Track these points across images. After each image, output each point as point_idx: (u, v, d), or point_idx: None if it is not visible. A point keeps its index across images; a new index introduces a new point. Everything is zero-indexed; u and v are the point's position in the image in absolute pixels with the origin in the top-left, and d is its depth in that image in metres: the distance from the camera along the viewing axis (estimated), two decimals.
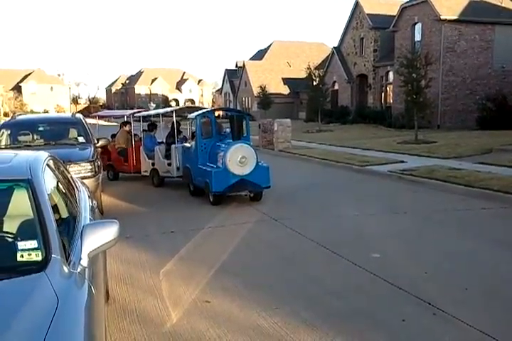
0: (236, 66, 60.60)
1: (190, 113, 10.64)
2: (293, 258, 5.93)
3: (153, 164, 11.51)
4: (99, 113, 18.16)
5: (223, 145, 9.11)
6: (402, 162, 14.05)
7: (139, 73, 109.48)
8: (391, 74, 32.37)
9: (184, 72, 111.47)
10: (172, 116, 11.43)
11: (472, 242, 6.43)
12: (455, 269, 5.39)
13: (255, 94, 47.54)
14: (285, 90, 51.39)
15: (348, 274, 5.31)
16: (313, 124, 32.59)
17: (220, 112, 11.79)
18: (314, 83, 30.67)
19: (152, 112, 13.17)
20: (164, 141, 11.87)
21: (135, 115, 12.92)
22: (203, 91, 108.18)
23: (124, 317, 4.27)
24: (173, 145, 10.92)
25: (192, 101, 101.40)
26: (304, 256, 5.98)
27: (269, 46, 58.78)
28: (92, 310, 2.31)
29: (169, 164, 10.92)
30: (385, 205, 8.93)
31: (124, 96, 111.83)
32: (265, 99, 41.69)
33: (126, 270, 5.52)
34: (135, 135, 12.74)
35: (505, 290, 4.77)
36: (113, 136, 13.33)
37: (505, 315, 4.23)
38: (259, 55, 58.87)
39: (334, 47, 40.05)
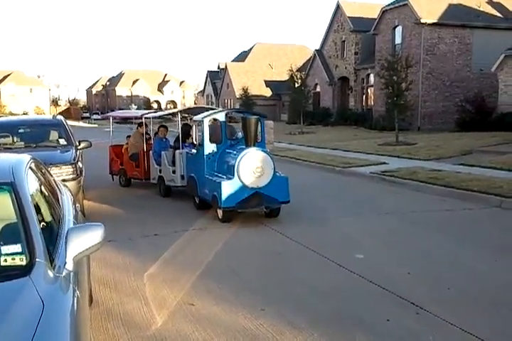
0: (218, 68, 60.61)
1: (197, 114, 9.41)
2: (277, 259, 5.93)
3: (160, 171, 10.44)
4: (112, 113, 16.43)
5: (235, 151, 7.85)
6: (384, 163, 14.18)
7: (120, 75, 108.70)
8: (372, 77, 32.70)
9: (166, 74, 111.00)
10: (185, 118, 10.62)
11: (453, 243, 6.52)
12: (437, 269, 5.46)
13: (237, 96, 47.60)
14: (267, 92, 51.55)
15: (333, 275, 5.34)
16: (295, 126, 32.75)
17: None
18: (296, 85, 30.86)
19: (158, 114, 12.00)
20: (173, 145, 10.73)
21: (145, 116, 11.57)
22: (185, 93, 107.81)
23: (108, 321, 4.23)
24: (177, 151, 9.82)
25: (174, 102, 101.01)
26: (288, 257, 5.99)
27: (252, 48, 58.89)
28: (77, 314, 2.29)
29: (174, 172, 9.86)
30: (367, 206, 9.00)
31: (104, 98, 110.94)
32: (247, 101, 41.80)
33: (110, 273, 5.47)
34: (150, 138, 11.61)
35: (486, 290, 4.85)
36: (129, 137, 12.28)
37: (486, 313, 4.29)
38: (242, 57, 58.96)
39: (316, 50, 40.30)
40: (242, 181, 7.45)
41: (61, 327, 2.08)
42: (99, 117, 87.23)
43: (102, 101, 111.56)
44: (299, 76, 31.54)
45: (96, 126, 58.25)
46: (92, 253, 2.81)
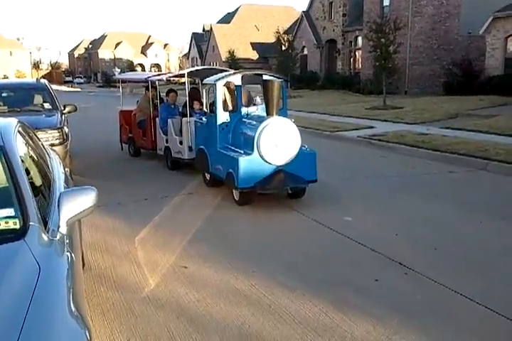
0: (203, 30, 59.26)
1: (207, 76, 8.00)
2: (267, 222, 6.00)
3: (167, 141, 9.30)
4: (121, 76, 14.64)
5: (253, 121, 6.73)
6: (371, 127, 14.20)
7: (103, 37, 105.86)
8: (360, 40, 32.25)
9: (149, 36, 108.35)
10: (194, 81, 9.51)
11: (440, 205, 6.62)
12: (424, 231, 5.57)
13: (223, 59, 46.81)
14: (254, 55, 50.70)
15: (321, 237, 5.42)
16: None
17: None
18: (283, 48, 30.36)
19: (163, 76, 10.55)
20: (181, 111, 9.46)
21: (149, 79, 10.12)
22: (170, 56, 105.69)
23: (101, 284, 4.28)
24: (184, 119, 8.69)
25: (158, 65, 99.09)
26: (277, 220, 6.05)
27: (237, 9, 57.54)
28: (74, 278, 2.30)
29: (181, 142, 8.77)
30: (353, 170, 9.06)
31: (87, 61, 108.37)
32: (234, 65, 41.07)
33: (101, 238, 5.49)
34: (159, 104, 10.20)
35: (471, 250, 4.97)
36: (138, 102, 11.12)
37: (471, 273, 4.42)
38: (227, 19, 57.64)
39: (303, 12, 39.48)
40: (262, 157, 6.39)
41: (58, 290, 2.09)
42: (81, 81, 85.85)
43: (85, 65, 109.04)
44: (286, 38, 31.00)
45: (79, 90, 57.20)
46: (85, 216, 2.80)
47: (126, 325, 3.58)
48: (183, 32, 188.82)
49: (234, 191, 6.72)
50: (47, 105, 8.81)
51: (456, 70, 24.31)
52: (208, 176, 7.71)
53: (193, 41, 62.70)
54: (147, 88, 10.42)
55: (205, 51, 58.03)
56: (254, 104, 7.31)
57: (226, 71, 8.97)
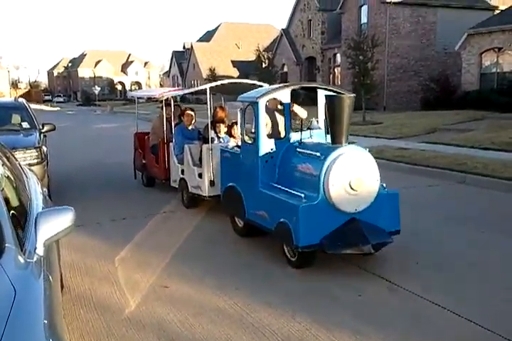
0: (184, 48, 59.67)
1: (236, 92, 6.35)
2: (248, 240, 5.96)
3: (182, 172, 7.69)
4: (135, 93, 12.77)
5: (314, 152, 4.97)
6: (352, 143, 14.30)
7: (82, 56, 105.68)
8: (339, 57, 32.76)
9: (130, 54, 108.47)
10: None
11: (421, 218, 6.67)
12: (406, 245, 5.59)
13: (204, 77, 47.06)
14: (234, 73, 51.13)
15: None
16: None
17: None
18: (264, 65, 30.68)
19: (181, 92, 9.11)
20: (202, 135, 7.79)
21: (164, 95, 8.58)
22: (150, 74, 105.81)
23: (81, 306, 4.19)
24: (205, 146, 6.98)
25: (139, 83, 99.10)
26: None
27: (217, 27, 58.15)
28: (51, 300, 2.25)
29: (201, 175, 7.08)
30: None
31: (66, 79, 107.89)
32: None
33: (80, 259, 5.39)
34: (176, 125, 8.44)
35: (452, 261, 5.00)
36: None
37: (451, 284, 4.44)
38: (208, 37, 58.18)
39: (282, 29, 40.02)
40: (332, 203, 4.71)
41: (35, 314, 2.04)
42: (61, 100, 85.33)
43: (64, 83, 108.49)
44: (266, 56, 31.39)
45: (58, 109, 56.84)
46: (62, 237, 2.75)
47: None
48: (164, 50, 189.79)
49: (286, 247, 5.02)
50: (25, 124, 8.72)
51: (434, 86, 24.80)
52: (239, 222, 6.03)
53: (174, 59, 63.05)
54: (162, 106, 8.66)
55: (185, 69, 58.34)
56: (309, 128, 5.36)
57: (258, 85, 7.38)
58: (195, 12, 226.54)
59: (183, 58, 59.45)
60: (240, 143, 6.06)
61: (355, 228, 4.76)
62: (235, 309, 4.04)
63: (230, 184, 6.00)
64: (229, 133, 7.59)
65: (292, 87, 5.62)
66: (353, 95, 4.99)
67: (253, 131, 5.57)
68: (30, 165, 6.68)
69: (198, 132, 8.22)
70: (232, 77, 49.04)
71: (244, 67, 49.00)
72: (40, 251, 2.50)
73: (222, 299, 4.23)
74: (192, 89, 8.66)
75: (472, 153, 11.09)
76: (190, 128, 8.21)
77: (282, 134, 5.65)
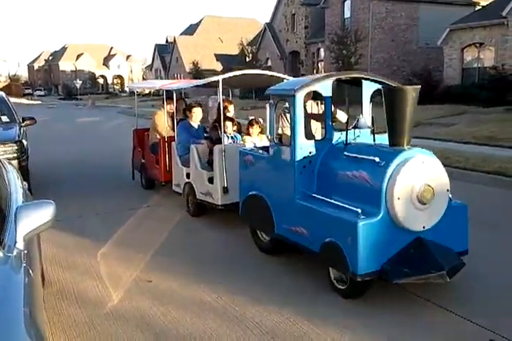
0: (166, 41, 59.21)
1: (250, 85, 5.74)
2: (236, 233, 5.96)
3: (188, 175, 6.80)
4: (134, 85, 11.07)
5: (370, 156, 4.01)
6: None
7: (63, 49, 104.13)
8: (322, 51, 32.83)
9: (111, 48, 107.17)
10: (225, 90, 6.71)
11: None
12: None
13: (188, 71, 46.81)
14: (218, 67, 50.85)
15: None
16: (248, 101, 32.60)
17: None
18: (247, 59, 30.62)
19: (186, 85, 7.85)
20: (209, 134, 6.99)
21: (165, 87, 7.71)
22: (132, 68, 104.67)
23: (63, 300, 4.15)
24: (216, 147, 6.10)
25: (121, 77, 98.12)
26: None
27: (201, 21, 57.78)
28: (31, 295, 2.22)
29: (211, 180, 6.24)
30: None
31: (47, 73, 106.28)
32: (198, 76, 41.13)
33: (62, 253, 5.34)
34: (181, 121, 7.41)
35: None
36: None
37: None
38: (191, 30, 57.79)
39: (266, 24, 39.94)
40: (397, 218, 3.84)
41: (14, 308, 2.01)
42: (42, 93, 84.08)
43: (45, 77, 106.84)
44: (249, 50, 31.33)
45: (39, 102, 56.04)
46: (43, 231, 2.71)
47: None
48: (146, 43, 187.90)
49: (333, 273, 4.20)
50: (4, 118, 8.60)
51: (416, 81, 24.94)
52: (264, 237, 5.21)
53: (157, 53, 62.50)
54: (165, 100, 7.91)
55: (168, 62, 57.89)
56: (355, 127, 4.60)
57: (277, 76, 6.58)
58: (178, 5, 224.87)
59: (166, 52, 58.96)
60: (257, 143, 5.65)
61: (423, 250, 3.89)
62: (219, 302, 4.04)
63: (254, 192, 5.10)
64: (242, 132, 6.86)
65: (336, 77, 4.69)
66: (418, 87, 4.06)
67: (279, 130, 4.87)
68: (9, 159, 6.58)
69: (203, 129, 7.30)
70: (215, 71, 48.87)
71: (228, 61, 48.73)
72: (20, 245, 2.46)
73: (206, 293, 4.22)
74: (201, 81, 7.44)
75: (455, 147, 11.21)
76: (195, 125, 7.18)
77: (320, 134, 4.87)
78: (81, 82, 63.00)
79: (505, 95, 18.71)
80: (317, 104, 5.56)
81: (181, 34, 58.90)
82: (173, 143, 7.17)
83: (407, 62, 28.15)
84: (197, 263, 4.97)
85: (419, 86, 4.07)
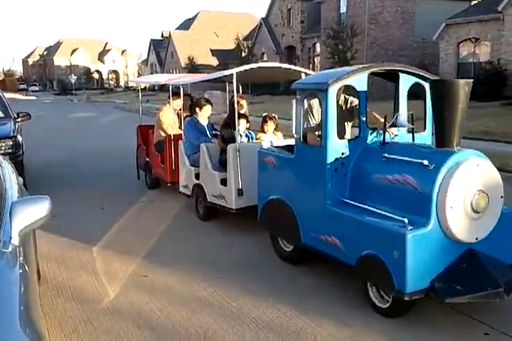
0: (162, 36, 59.02)
1: (265, 80, 5.23)
2: (232, 226, 5.96)
3: (197, 176, 6.40)
4: (139, 79, 11.19)
5: (415, 159, 3.63)
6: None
7: (58, 44, 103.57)
8: (318, 46, 32.79)
9: (107, 43, 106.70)
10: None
11: None
12: None
13: (183, 66, 46.67)
14: (214, 61, 50.74)
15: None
16: (244, 96, 32.62)
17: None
18: (243, 54, 30.55)
19: (193, 79, 7.18)
20: (219, 132, 6.48)
21: (172, 82, 7.36)
22: (128, 63, 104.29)
23: (58, 296, 4.14)
24: (230, 146, 5.64)
25: (116, 72, 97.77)
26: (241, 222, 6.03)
27: (196, 16, 57.55)
28: (27, 290, 2.21)
29: (224, 181, 5.81)
30: None
31: (42, 68, 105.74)
32: (194, 71, 41.00)
33: (58, 249, 5.32)
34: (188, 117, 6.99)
35: None
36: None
37: None
38: (186, 25, 57.56)
39: (262, 18, 39.84)
40: (449, 229, 3.45)
41: (10, 304, 2.01)
42: (37, 89, 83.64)
43: (40, 72, 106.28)
44: (245, 45, 31.24)
45: (34, 98, 55.74)
46: (38, 226, 2.70)
47: (84, 338, 3.48)
48: (141, 38, 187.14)
49: (372, 290, 3.78)
50: None
51: None
52: (287, 246, 4.81)
53: (152, 47, 62.26)
54: (173, 96, 7.53)
55: (164, 57, 57.68)
56: (394, 125, 4.20)
57: (300, 70, 6.10)
58: (174, 0, 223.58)
59: (161, 46, 58.72)
60: (273, 141, 5.38)
61: (476, 264, 3.50)
62: (216, 298, 4.04)
63: (275, 197, 4.67)
64: (253, 129, 6.50)
65: (372, 70, 4.23)
66: (470, 81, 3.56)
67: (304, 125, 4.44)
68: (4, 154, 6.55)
69: (211, 127, 6.91)
70: (211, 66, 48.75)
71: (224, 56, 48.64)
72: (15, 240, 2.45)
73: (202, 288, 4.23)
74: (212, 75, 6.72)
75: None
76: (203, 122, 6.76)
77: (350, 133, 4.38)
78: (76, 77, 62.67)
79: (501, 90, 18.76)
80: (345, 99, 5.04)
81: (177, 29, 58.64)
82: (180, 141, 6.76)
83: (403, 57, 28.11)
84: (193, 257, 4.97)
85: (472, 80, 3.61)
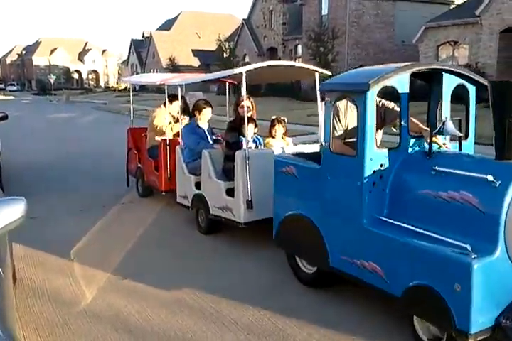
0: (143, 36, 58.70)
1: (276, 80, 4.74)
2: (218, 235, 5.92)
3: (198, 185, 5.84)
4: (131, 79, 10.95)
5: (474, 173, 3.11)
6: (314, 133, 14.45)
7: (37, 43, 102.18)
8: (300, 48, 32.91)
9: (87, 42, 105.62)
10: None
11: None
12: None
13: (164, 66, 46.41)
14: (195, 62, 50.61)
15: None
16: (225, 97, 32.59)
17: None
18: (225, 55, 30.53)
19: (193, 79, 6.86)
20: (223, 137, 6.03)
21: (168, 83, 6.79)
22: (108, 63, 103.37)
23: (35, 299, 4.07)
24: (238, 153, 5.06)
25: (96, 72, 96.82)
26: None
27: (177, 16, 57.34)
28: (1, 294, 2.16)
29: (230, 192, 5.25)
30: None
31: (20, 67, 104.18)
32: (175, 72, 40.82)
33: (34, 251, 5.22)
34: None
35: None
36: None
37: None
38: (167, 25, 57.33)
39: (244, 20, 39.89)
40: None
41: None
42: (14, 88, 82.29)
43: (18, 72, 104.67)
44: (227, 46, 31.22)
45: (12, 98, 54.83)
46: (13, 229, 2.64)
47: None
48: (122, 38, 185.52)
49: (421, 326, 3.22)
50: None
51: None
52: (308, 268, 4.26)
53: (133, 48, 61.84)
54: (166, 98, 7.03)
55: (145, 58, 57.33)
56: (440, 133, 3.62)
57: (315, 70, 5.76)
58: (155, 0, 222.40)
59: (142, 47, 58.35)
60: (284, 148, 4.97)
61: None
62: (195, 300, 4.01)
63: (295, 212, 4.11)
64: (259, 134, 6.03)
65: (414, 69, 3.67)
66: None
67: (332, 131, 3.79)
68: None
69: (211, 131, 6.42)
70: (192, 67, 48.57)
71: (205, 57, 48.55)
72: None
73: (181, 290, 4.19)
74: (217, 74, 6.21)
75: None
76: (203, 126, 6.24)
77: (399, 142, 3.64)
78: (55, 77, 61.91)
79: (481, 93, 19.05)
80: (379, 102, 4.24)
81: (158, 29, 58.36)
82: (177, 147, 6.19)
83: (383, 59, 28.39)
84: (171, 260, 4.93)
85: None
